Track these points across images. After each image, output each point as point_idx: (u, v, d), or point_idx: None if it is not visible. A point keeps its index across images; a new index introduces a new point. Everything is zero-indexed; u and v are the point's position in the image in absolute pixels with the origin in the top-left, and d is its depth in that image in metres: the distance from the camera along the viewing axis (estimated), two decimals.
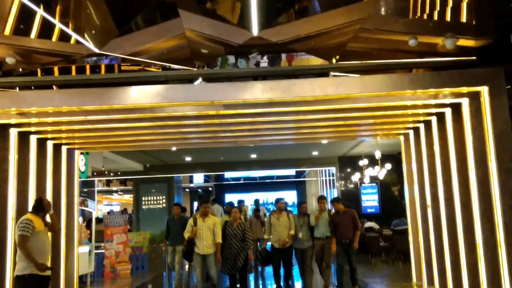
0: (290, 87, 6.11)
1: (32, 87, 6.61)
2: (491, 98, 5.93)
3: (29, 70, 6.43)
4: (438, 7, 5.73)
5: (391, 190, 17.23)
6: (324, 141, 11.43)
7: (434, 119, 7.55)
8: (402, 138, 9.28)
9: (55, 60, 6.23)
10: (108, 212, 17.64)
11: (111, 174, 18.46)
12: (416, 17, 5.76)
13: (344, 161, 17.25)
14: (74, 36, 5.55)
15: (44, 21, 5.40)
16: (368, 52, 6.46)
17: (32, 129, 7.20)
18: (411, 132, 8.73)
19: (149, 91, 6.17)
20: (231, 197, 22.84)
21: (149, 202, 17.90)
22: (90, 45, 5.63)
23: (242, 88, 6.16)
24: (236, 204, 10.59)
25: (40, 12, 5.32)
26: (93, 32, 5.74)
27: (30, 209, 7.00)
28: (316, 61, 6.49)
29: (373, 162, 15.00)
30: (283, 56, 6.55)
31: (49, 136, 7.76)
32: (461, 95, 6.34)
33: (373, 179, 16.00)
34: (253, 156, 16.44)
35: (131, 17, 5.60)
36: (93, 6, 5.50)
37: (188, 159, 16.54)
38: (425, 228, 8.24)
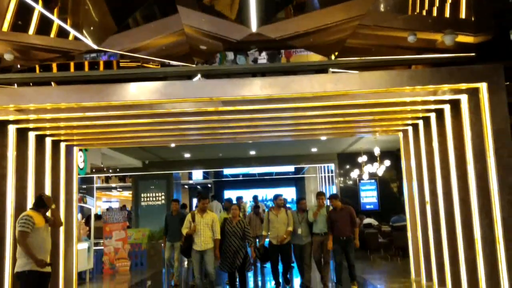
0: (289, 84, 6.10)
1: (31, 84, 6.59)
2: (490, 95, 5.93)
3: (27, 67, 6.42)
4: (437, 3, 5.73)
5: (390, 186, 17.26)
6: (323, 138, 11.46)
7: (433, 116, 7.55)
8: (401, 134, 9.28)
9: (54, 56, 6.22)
10: (107, 209, 17.62)
11: (110, 170, 18.47)
12: (415, 13, 5.76)
13: (343, 157, 17.28)
14: (73, 32, 5.54)
15: (42, 17, 5.39)
16: (367, 48, 6.46)
17: (31, 125, 7.19)
18: (410, 128, 8.74)
19: (148, 88, 6.16)
20: (230, 194, 22.85)
21: (148, 199, 17.92)
22: (88, 41, 5.62)
23: (241, 85, 6.16)
24: (234, 201, 10.59)
25: (38, 8, 5.30)
26: (92, 28, 5.73)
27: (30, 206, 7.05)
28: (315, 57, 6.48)
29: (372, 158, 15.03)
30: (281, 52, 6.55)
31: (48, 132, 7.75)
32: (460, 91, 6.34)
33: (372, 175, 16.03)
34: (252, 152, 16.46)
35: (130, 14, 5.59)
36: (91, 2, 5.49)
37: (187, 155, 16.54)
38: (424, 224, 8.26)
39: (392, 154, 15.80)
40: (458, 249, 6.79)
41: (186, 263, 12.36)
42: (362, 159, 15.14)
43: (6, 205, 6.70)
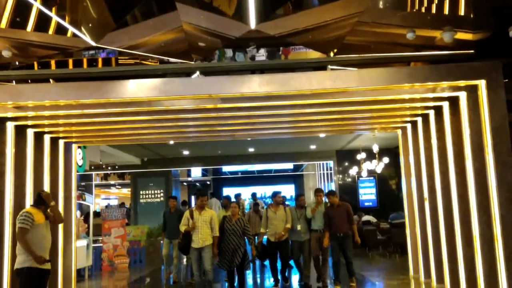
0: (288, 81, 6.10)
1: (29, 81, 6.58)
2: (488, 92, 5.93)
3: (25, 64, 6.41)
4: (436, 0, 5.72)
5: (388, 183, 17.28)
6: (322, 135, 11.45)
7: (431, 113, 7.56)
8: (399, 131, 9.29)
9: (52, 53, 6.21)
10: (106, 206, 17.64)
11: (109, 168, 18.45)
12: (414, 10, 5.75)
13: (342, 154, 17.28)
14: (71, 29, 5.53)
15: (40, 14, 5.37)
16: (366, 45, 6.45)
17: (29, 122, 7.18)
18: (408, 125, 8.74)
19: (147, 85, 6.15)
20: (229, 191, 22.86)
21: (147, 196, 17.93)
22: (87, 38, 5.61)
23: (239, 82, 6.15)
24: (233, 198, 10.59)
25: (36, 5, 5.28)
26: (90, 25, 5.71)
27: (29, 203, 7.05)
28: (313, 54, 6.48)
29: (370, 155, 15.03)
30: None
31: (46, 129, 7.73)
32: (458, 88, 6.34)
33: (371, 172, 16.05)
34: (251, 150, 16.45)
35: (128, 10, 5.57)
36: None
37: (185, 153, 16.54)
38: (422, 221, 8.27)
39: (390, 151, 15.80)
40: (456, 246, 6.80)
41: (185, 260, 12.38)
42: (361, 156, 15.14)
43: (5, 202, 6.69)
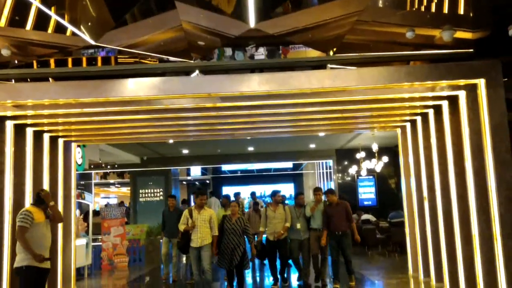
0: (287, 80, 6.09)
1: (28, 79, 6.57)
2: (488, 91, 5.93)
3: (24, 62, 6.40)
4: None
5: (388, 182, 17.29)
6: (321, 134, 11.46)
7: (431, 112, 7.56)
8: (399, 130, 9.29)
9: (51, 52, 6.20)
10: (105, 205, 17.64)
11: (108, 166, 18.47)
12: (414, 9, 5.75)
13: (341, 153, 17.30)
14: (70, 28, 5.52)
15: (39, 13, 5.37)
16: (366, 44, 6.45)
17: (29, 121, 7.17)
18: (408, 124, 8.74)
19: (146, 84, 6.15)
20: (228, 190, 22.86)
21: (146, 195, 17.94)
22: (86, 37, 5.60)
23: (239, 81, 6.15)
24: (232, 197, 10.58)
25: (35, 3, 5.28)
26: (89, 24, 5.71)
27: (28, 202, 7.06)
28: (313, 53, 6.48)
29: (370, 154, 15.04)
30: None
31: (46, 128, 7.73)
32: (458, 87, 6.34)
33: (370, 171, 16.06)
34: (251, 148, 16.46)
35: (128, 9, 5.57)
36: None
37: (185, 151, 16.54)
38: (422, 220, 8.28)
39: (390, 150, 15.82)
40: (455, 245, 6.81)
41: (184, 258, 12.38)
42: (360, 155, 15.16)
43: (4, 201, 6.69)
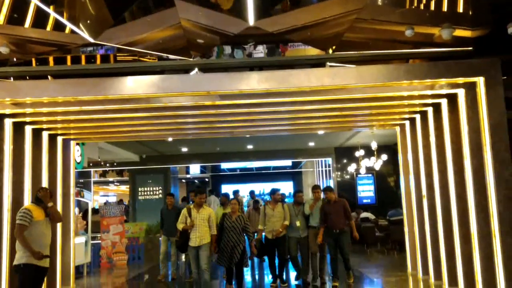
0: (286, 78, 6.09)
1: (27, 77, 6.57)
2: (487, 89, 5.94)
3: (23, 60, 6.39)
4: None
5: (387, 180, 17.30)
6: (321, 132, 11.46)
7: (430, 110, 7.56)
8: (398, 128, 9.29)
9: (50, 49, 6.20)
10: (105, 203, 17.63)
11: (107, 164, 18.46)
12: (413, 7, 5.75)
13: (341, 152, 17.30)
14: (69, 25, 5.52)
15: (38, 10, 5.36)
16: (365, 42, 6.45)
17: (27, 119, 7.16)
18: (407, 122, 8.75)
19: (145, 82, 6.14)
20: (227, 188, 22.87)
21: (145, 193, 17.94)
22: (85, 35, 5.60)
23: (238, 79, 6.15)
24: (231, 195, 10.57)
25: (34, 1, 5.27)
26: (88, 21, 5.70)
27: (27, 200, 7.05)
28: (312, 51, 6.48)
29: (369, 153, 15.05)
30: None
31: (45, 126, 7.72)
32: (457, 85, 6.34)
33: (369, 169, 16.06)
34: (250, 146, 16.46)
35: (127, 7, 5.56)
36: None
37: (184, 149, 16.53)
38: (421, 218, 8.29)
39: (389, 148, 15.83)
40: (454, 242, 6.82)
41: (183, 256, 12.39)
42: (359, 153, 15.16)
43: (3, 199, 6.69)
